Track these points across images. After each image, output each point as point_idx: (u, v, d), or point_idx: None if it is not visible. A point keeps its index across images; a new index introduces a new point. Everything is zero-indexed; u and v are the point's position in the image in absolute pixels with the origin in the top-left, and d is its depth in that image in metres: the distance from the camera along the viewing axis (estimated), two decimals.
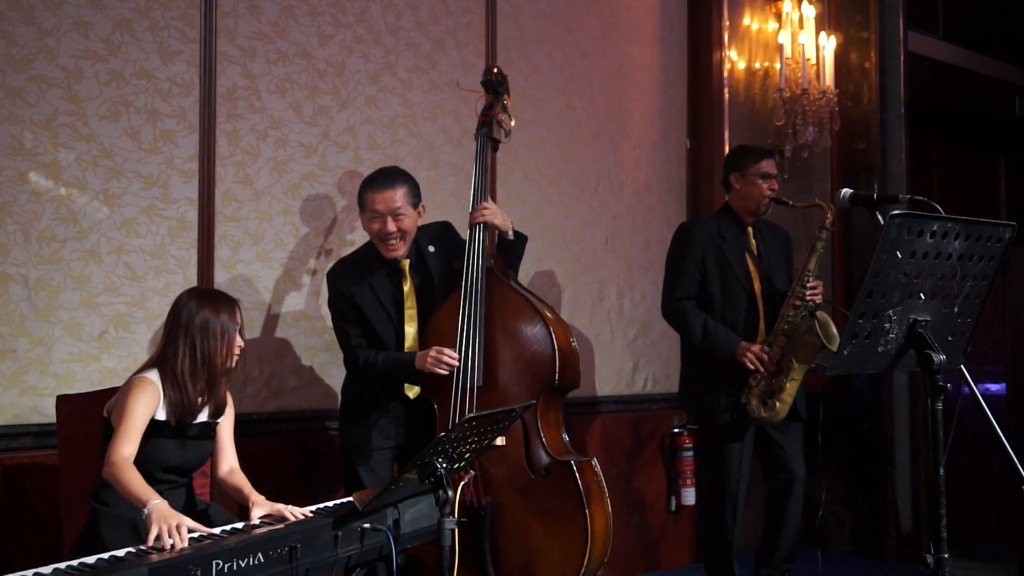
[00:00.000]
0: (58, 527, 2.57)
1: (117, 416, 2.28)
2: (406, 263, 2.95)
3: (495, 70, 3.13)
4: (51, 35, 2.90)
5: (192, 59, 3.16)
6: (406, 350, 2.93)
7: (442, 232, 3.10)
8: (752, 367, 3.21)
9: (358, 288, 2.91)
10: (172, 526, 2.00)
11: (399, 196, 2.84)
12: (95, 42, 2.98)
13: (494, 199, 3.86)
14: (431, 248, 3.01)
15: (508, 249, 3.04)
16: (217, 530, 2.11)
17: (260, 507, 2.29)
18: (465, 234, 3.02)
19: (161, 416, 2.33)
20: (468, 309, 2.87)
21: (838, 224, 4.81)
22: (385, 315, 2.92)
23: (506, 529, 2.83)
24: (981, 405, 2.12)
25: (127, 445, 2.23)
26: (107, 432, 2.32)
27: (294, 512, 2.25)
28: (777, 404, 3.21)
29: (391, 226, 2.84)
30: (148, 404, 2.29)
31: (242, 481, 2.47)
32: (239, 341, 2.43)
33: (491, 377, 2.88)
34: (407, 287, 2.94)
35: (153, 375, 2.34)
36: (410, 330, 2.94)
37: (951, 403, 2.11)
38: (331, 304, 2.98)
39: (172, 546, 1.95)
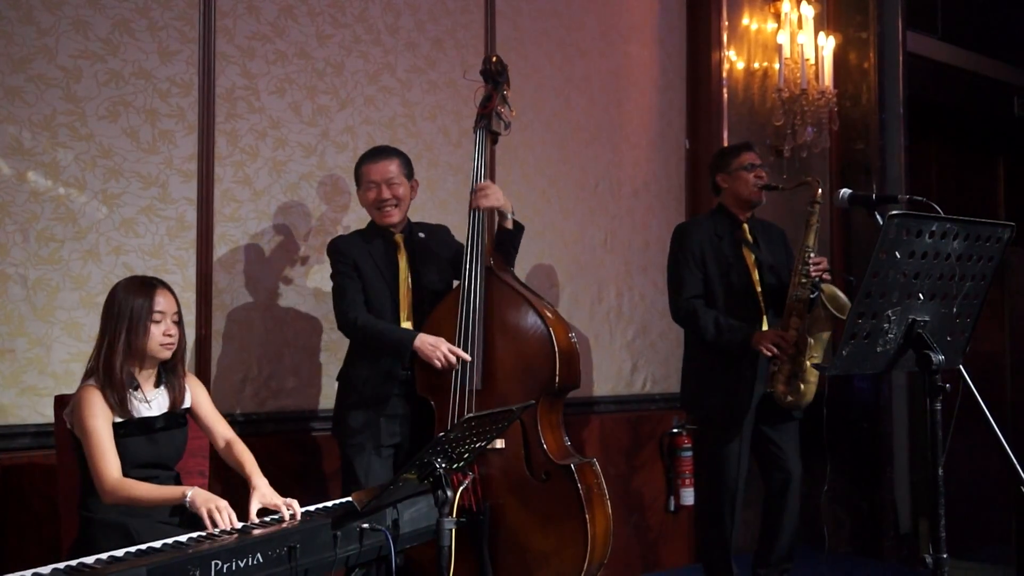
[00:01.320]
0: (56, 527, 2.57)
1: (82, 436, 2.26)
2: (400, 237, 3.01)
3: (494, 59, 3.07)
4: (50, 35, 2.90)
5: (191, 59, 3.16)
6: (401, 320, 2.94)
7: (436, 227, 3.17)
8: (769, 353, 3.20)
9: (359, 253, 2.97)
10: (214, 507, 2.12)
11: (393, 167, 2.98)
12: (94, 42, 2.98)
13: None
14: (421, 234, 3.07)
15: (506, 240, 3.03)
16: (216, 530, 2.11)
17: (259, 496, 2.28)
18: (461, 237, 3.02)
19: (117, 419, 2.30)
20: (467, 311, 2.86)
21: (837, 225, 4.82)
22: (382, 280, 2.96)
23: (506, 533, 2.82)
24: (980, 405, 2.13)
25: (110, 465, 2.22)
26: (76, 443, 2.30)
27: (290, 504, 2.24)
28: (801, 385, 3.21)
29: (386, 192, 2.96)
30: (102, 414, 2.26)
31: (243, 454, 2.43)
32: (165, 327, 2.34)
33: (490, 380, 2.87)
34: (403, 260, 3.00)
35: (92, 380, 2.31)
36: (405, 300, 2.97)
37: (950, 403, 2.11)
38: (333, 270, 2.99)
39: (219, 528, 2.09)
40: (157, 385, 2.41)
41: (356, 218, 3.47)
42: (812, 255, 3.23)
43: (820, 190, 3.29)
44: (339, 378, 3.08)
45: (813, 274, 3.20)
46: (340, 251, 2.99)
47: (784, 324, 3.24)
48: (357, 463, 2.90)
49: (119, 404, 2.29)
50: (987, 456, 2.65)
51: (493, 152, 3.86)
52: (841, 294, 3.16)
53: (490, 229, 3.02)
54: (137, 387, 2.35)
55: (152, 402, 2.38)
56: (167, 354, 2.37)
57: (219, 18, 3.22)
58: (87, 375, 2.35)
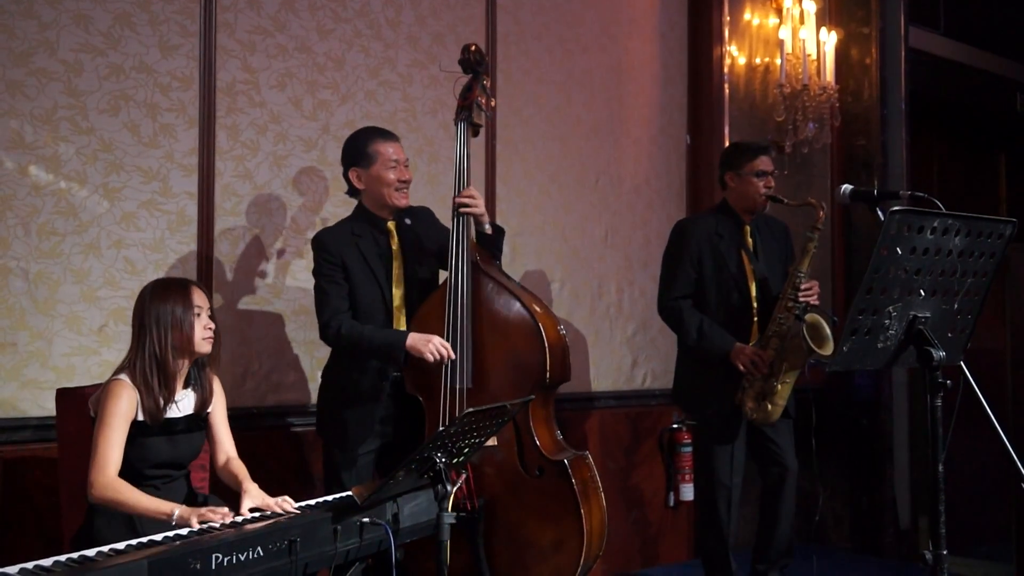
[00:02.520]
0: (58, 520, 2.58)
1: (97, 425, 2.27)
2: (392, 224, 2.95)
3: (473, 48, 2.97)
4: (51, 29, 2.89)
5: (192, 53, 3.16)
6: (394, 310, 2.89)
7: (420, 210, 3.09)
8: (744, 370, 3.21)
9: (347, 249, 2.87)
10: (204, 512, 2.12)
11: (402, 149, 2.95)
12: (95, 36, 2.97)
13: (493, 194, 3.88)
14: (407, 220, 3.00)
15: (488, 243, 2.98)
16: (217, 523, 2.11)
17: (250, 498, 2.30)
18: (446, 221, 3.00)
19: (141, 417, 2.31)
20: (454, 309, 2.82)
21: (838, 221, 4.82)
22: (371, 277, 2.87)
23: (502, 529, 2.82)
24: (981, 402, 2.13)
25: (111, 463, 2.23)
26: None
27: (281, 505, 2.26)
28: (769, 406, 3.21)
29: (405, 173, 2.91)
30: (126, 410, 2.27)
31: (239, 470, 2.46)
32: (205, 322, 2.38)
33: (481, 377, 2.84)
34: (395, 245, 2.93)
35: (126, 376, 2.32)
36: (397, 291, 2.92)
37: (951, 400, 2.11)
38: (316, 268, 2.89)
39: (219, 522, 2.09)
40: (186, 385, 2.42)
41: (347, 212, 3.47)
42: (804, 280, 3.21)
43: (823, 215, 3.26)
44: (323, 375, 3.02)
45: (801, 300, 3.19)
46: (326, 248, 2.86)
47: (764, 343, 3.24)
48: (342, 465, 2.85)
49: (148, 411, 2.30)
50: (988, 453, 2.65)
51: (493, 147, 3.86)
52: (825, 327, 3.14)
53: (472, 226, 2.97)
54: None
55: (180, 403, 2.39)
56: (209, 348, 2.39)
57: (220, 12, 3.22)
58: (121, 370, 2.35)
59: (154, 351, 2.31)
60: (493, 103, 3.05)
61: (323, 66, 3.45)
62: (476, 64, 2.97)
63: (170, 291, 2.37)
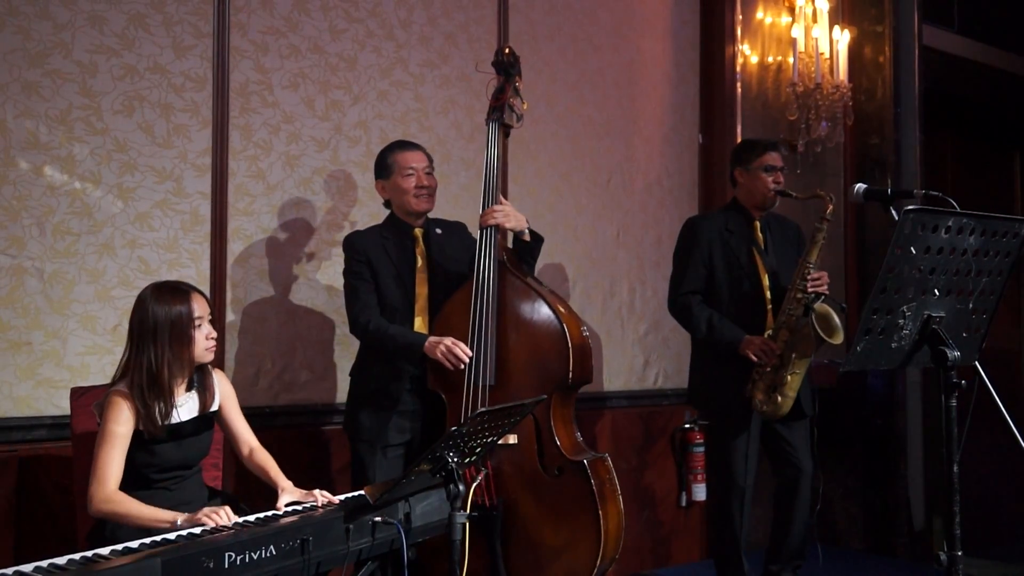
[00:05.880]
0: (72, 518, 2.59)
1: (99, 438, 2.25)
2: (419, 232, 3.03)
3: (507, 50, 3.07)
4: (66, 30, 2.91)
5: (205, 54, 3.17)
6: (416, 313, 2.95)
7: (453, 224, 3.18)
8: (755, 360, 3.21)
9: (374, 249, 2.96)
10: (208, 512, 2.10)
11: (426, 157, 3.04)
12: (109, 37, 2.99)
13: (505, 193, 3.88)
14: (438, 230, 3.09)
15: (524, 251, 3.03)
16: (230, 522, 2.12)
17: (289, 493, 2.33)
18: (476, 233, 3.03)
19: (142, 428, 2.27)
20: (480, 305, 2.86)
21: (851, 220, 4.79)
22: (396, 276, 2.95)
23: (518, 528, 2.83)
24: (996, 402, 2.11)
25: (110, 479, 2.21)
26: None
27: (324, 494, 2.29)
28: (779, 398, 3.21)
29: (424, 180, 2.99)
30: (125, 424, 2.24)
31: (266, 461, 2.46)
32: (207, 331, 2.33)
33: (503, 375, 2.87)
34: (420, 249, 3.01)
35: (124, 386, 2.28)
36: (421, 292, 2.98)
37: (965, 400, 2.10)
38: (346, 268, 2.99)
39: (219, 523, 2.07)
40: (189, 388, 2.40)
41: (368, 212, 3.48)
42: (812, 270, 3.21)
43: (831, 206, 3.24)
44: (351, 374, 3.10)
45: (810, 290, 3.18)
46: (354, 247, 2.98)
47: (774, 334, 3.23)
48: (368, 461, 2.91)
49: (163, 417, 2.27)
50: (1002, 453, 2.63)
51: (506, 146, 3.85)
52: (835, 316, 3.13)
53: (502, 233, 3.00)
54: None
55: (182, 407, 2.36)
56: (211, 357, 2.37)
57: (233, 13, 3.23)
58: (119, 379, 2.31)
59: (151, 367, 2.25)
60: (525, 105, 3.12)
61: (335, 66, 3.46)
62: (509, 66, 3.06)
63: (170, 302, 2.29)
